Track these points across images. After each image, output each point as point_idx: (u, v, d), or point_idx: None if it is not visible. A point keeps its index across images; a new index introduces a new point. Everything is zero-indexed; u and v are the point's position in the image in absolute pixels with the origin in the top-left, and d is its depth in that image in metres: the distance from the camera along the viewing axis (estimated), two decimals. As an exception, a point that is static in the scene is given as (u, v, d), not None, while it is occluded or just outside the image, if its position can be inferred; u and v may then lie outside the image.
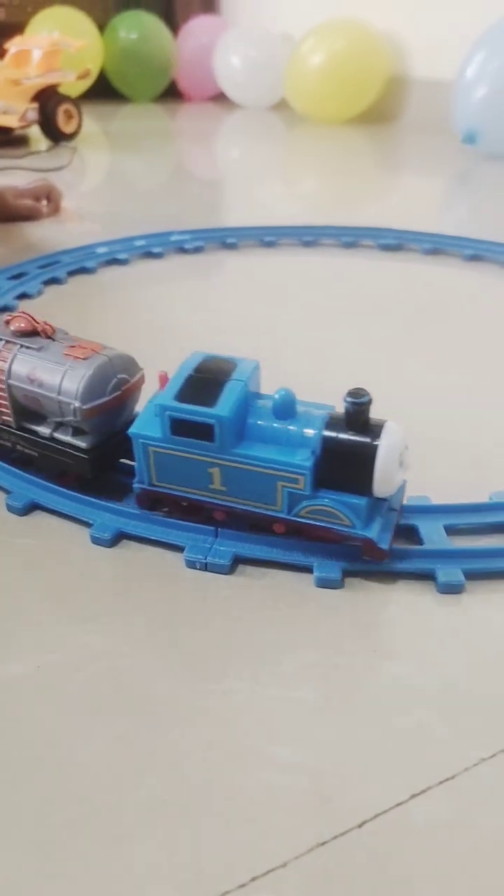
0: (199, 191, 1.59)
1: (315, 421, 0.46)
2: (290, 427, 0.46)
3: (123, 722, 0.38)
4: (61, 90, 1.93)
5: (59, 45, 1.93)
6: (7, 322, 0.53)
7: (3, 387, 0.52)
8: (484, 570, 0.47)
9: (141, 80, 2.73)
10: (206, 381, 0.47)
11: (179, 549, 0.49)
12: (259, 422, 0.47)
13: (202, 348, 0.50)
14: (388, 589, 0.47)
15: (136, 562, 0.49)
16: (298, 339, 0.82)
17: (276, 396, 0.46)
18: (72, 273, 1.00)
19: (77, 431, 0.52)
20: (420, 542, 0.49)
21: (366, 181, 1.72)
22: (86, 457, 0.51)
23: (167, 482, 0.49)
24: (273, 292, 0.98)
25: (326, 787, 0.35)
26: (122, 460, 0.54)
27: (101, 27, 2.60)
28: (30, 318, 0.53)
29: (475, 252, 1.08)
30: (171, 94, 2.90)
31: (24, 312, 0.54)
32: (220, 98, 2.81)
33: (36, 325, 0.53)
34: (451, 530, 0.50)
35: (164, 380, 0.48)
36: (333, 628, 0.44)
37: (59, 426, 0.52)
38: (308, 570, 0.47)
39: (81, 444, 0.51)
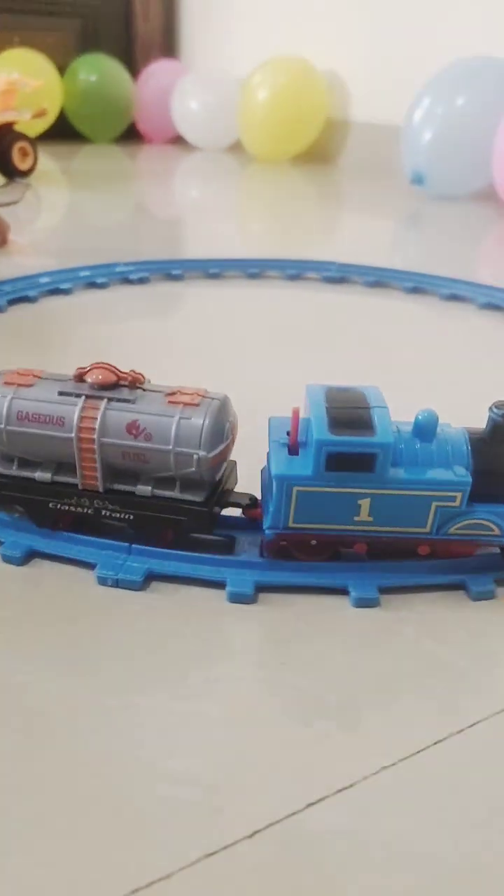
0: (155, 227, 1.61)
1: (457, 438, 0.46)
2: (433, 447, 0.46)
3: (15, 738, 0.37)
4: (17, 128, 1.95)
5: (16, 85, 1.96)
6: (80, 376, 0.48)
7: (92, 447, 0.46)
8: (398, 585, 0.47)
9: (100, 122, 2.77)
10: (349, 411, 0.45)
11: (92, 566, 0.48)
12: (400, 445, 0.46)
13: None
14: (302, 602, 0.46)
15: (47, 580, 0.48)
16: (237, 366, 0.83)
17: (420, 418, 0.46)
18: (12, 302, 1.00)
19: (186, 484, 0.47)
20: (337, 556, 0.49)
21: (317, 220, 1.76)
22: (205, 509, 0.47)
23: (305, 522, 0.46)
24: (215, 321, 0.98)
25: (220, 799, 0.34)
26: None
27: (62, 69, 2.64)
28: (111, 369, 0.47)
29: (416, 284, 1.10)
30: (132, 135, 2.94)
31: (101, 363, 0.48)
32: (178, 140, 2.86)
33: (120, 375, 0.47)
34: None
35: (296, 416, 0.46)
36: (244, 642, 0.44)
37: (158, 482, 0.48)
38: (221, 585, 0.47)
39: (197, 497, 0.47)
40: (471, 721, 0.38)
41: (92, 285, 1.08)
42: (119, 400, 0.46)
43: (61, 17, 2.85)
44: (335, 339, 0.92)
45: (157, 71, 2.83)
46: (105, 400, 0.46)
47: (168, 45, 3.04)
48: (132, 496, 0.48)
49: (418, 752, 0.36)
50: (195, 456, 0.45)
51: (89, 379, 0.47)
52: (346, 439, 0.44)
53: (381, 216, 1.74)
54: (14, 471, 0.49)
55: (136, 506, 0.48)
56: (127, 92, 2.77)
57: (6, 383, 0.47)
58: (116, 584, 0.47)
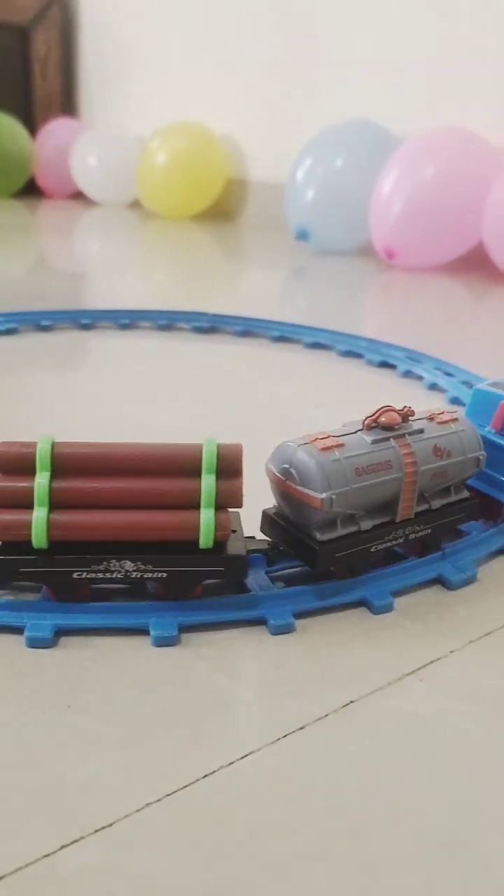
0: (49, 281, 1.61)
1: None
2: None
3: None
4: None
5: None
6: (374, 421, 0.51)
7: (414, 479, 0.51)
8: (199, 623, 0.48)
9: (-2, 177, 2.79)
10: None
11: None
12: None
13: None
14: (101, 644, 0.46)
15: None
16: (101, 411, 0.83)
17: None
18: None
19: (458, 488, 0.55)
20: (142, 595, 0.49)
21: (211, 274, 1.79)
22: (475, 500, 0.56)
23: None
24: (84, 370, 0.99)
25: (-31, 845, 0.33)
26: None
27: (-42, 126, 2.65)
28: (394, 409, 0.52)
29: (281, 333, 1.13)
30: (32, 191, 2.96)
31: (386, 406, 0.51)
32: (79, 196, 2.89)
33: (401, 412, 0.52)
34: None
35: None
36: (34, 687, 0.43)
37: (440, 494, 0.54)
38: (19, 630, 0.46)
39: (466, 493, 0.55)
40: (242, 753, 0.38)
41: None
42: (413, 433, 0.52)
43: (-41, 74, 2.87)
44: (197, 384, 0.94)
45: (57, 128, 2.87)
46: (405, 436, 0.51)
47: (67, 104, 3.10)
48: (428, 512, 0.53)
49: (185, 786, 0.36)
50: (479, 457, 0.54)
51: (383, 418, 0.51)
52: None
53: (274, 269, 1.79)
54: (339, 531, 0.49)
55: (428, 520, 0.53)
56: (25, 148, 2.79)
57: (323, 449, 0.48)
58: None
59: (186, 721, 0.40)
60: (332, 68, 2.12)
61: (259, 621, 0.48)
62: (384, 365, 1.04)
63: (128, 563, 0.47)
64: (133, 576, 0.47)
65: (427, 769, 0.38)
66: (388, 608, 0.50)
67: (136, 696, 0.42)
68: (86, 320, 1.16)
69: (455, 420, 0.54)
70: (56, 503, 0.45)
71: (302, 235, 1.86)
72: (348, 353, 1.07)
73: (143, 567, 0.47)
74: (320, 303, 1.48)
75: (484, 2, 1.75)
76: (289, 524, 0.50)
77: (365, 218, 1.74)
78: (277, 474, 0.49)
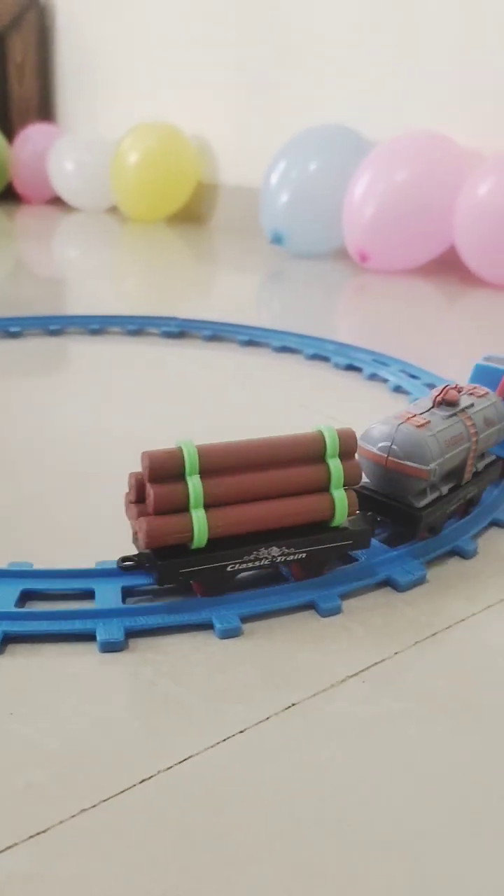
0: (23, 287, 1.61)
1: None
2: None
3: None
4: None
5: None
6: (443, 397, 0.59)
7: (476, 446, 0.59)
8: (147, 627, 0.48)
9: (-25, 183, 2.78)
10: None
11: None
12: None
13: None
14: (49, 651, 0.46)
15: None
16: (69, 418, 0.83)
17: None
18: None
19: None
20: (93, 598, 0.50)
21: (185, 278, 1.79)
22: (500, 460, 0.65)
23: None
24: (52, 377, 0.99)
25: None
26: None
27: None
28: (453, 387, 0.61)
29: (249, 338, 1.14)
30: (10, 196, 2.96)
31: (448, 385, 0.61)
32: (57, 201, 2.89)
33: (457, 388, 0.62)
34: (130, 591, 0.51)
35: None
36: (-22, 694, 0.43)
37: (481, 458, 0.63)
38: (-34, 636, 0.46)
39: (493, 456, 0.65)
40: (181, 757, 0.39)
41: None
42: (467, 407, 0.60)
43: None
44: (167, 389, 0.94)
45: (34, 133, 2.86)
46: (465, 410, 0.59)
47: (44, 109, 3.09)
48: (476, 474, 0.62)
49: (121, 791, 0.37)
50: None
51: (448, 396, 0.59)
52: None
53: (248, 273, 1.80)
54: (429, 497, 0.57)
55: (476, 482, 0.62)
56: (2, 153, 2.79)
57: (419, 426, 0.55)
58: None
59: (129, 727, 0.41)
60: (303, 73, 2.13)
61: (206, 625, 0.49)
62: (350, 368, 1.04)
63: (274, 549, 0.50)
64: (278, 560, 0.51)
65: (367, 771, 0.38)
66: (335, 611, 0.51)
67: (79, 702, 0.42)
68: (55, 326, 1.16)
69: (487, 394, 0.63)
70: (209, 502, 0.48)
71: (276, 239, 1.86)
72: (315, 357, 1.08)
73: (286, 551, 0.51)
74: (294, 306, 1.48)
75: (453, 7, 1.76)
76: (383, 496, 0.57)
77: (339, 221, 1.75)
78: (377, 452, 0.56)
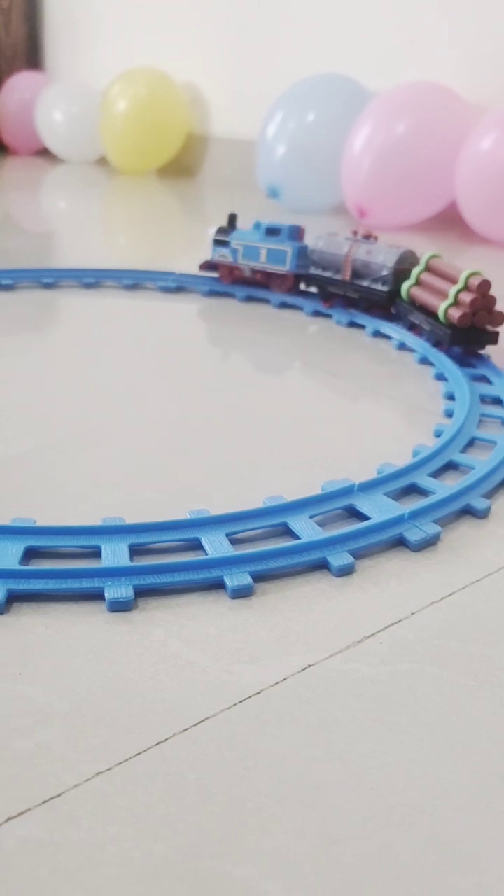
0: (11, 239, 1.56)
1: None
2: None
3: None
4: None
5: None
6: (355, 232, 1.03)
7: (350, 261, 1.00)
8: (156, 586, 0.46)
9: (-39, 132, 2.70)
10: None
11: None
12: None
13: None
14: (55, 610, 0.45)
15: None
16: (64, 372, 0.81)
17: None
18: None
19: (375, 280, 0.98)
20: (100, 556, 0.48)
21: (180, 232, 1.75)
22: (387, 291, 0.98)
23: None
24: (47, 330, 0.96)
25: None
26: None
27: None
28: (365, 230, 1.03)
29: (248, 294, 1.11)
30: (-4, 147, 2.88)
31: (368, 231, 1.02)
32: (45, 152, 2.82)
33: (365, 233, 1.02)
34: (137, 549, 0.50)
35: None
36: (-16, 654, 0.42)
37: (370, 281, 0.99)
38: (-31, 595, 0.45)
39: (384, 288, 0.97)
40: (197, 719, 0.37)
41: None
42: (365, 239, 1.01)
43: None
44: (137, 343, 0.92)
45: (21, 82, 2.78)
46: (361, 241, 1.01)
47: (31, 57, 3.00)
48: (362, 286, 0.99)
49: (136, 755, 0.35)
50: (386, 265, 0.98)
51: (362, 233, 1.02)
52: None
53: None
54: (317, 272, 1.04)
55: (362, 290, 0.99)
56: (-12, 103, 2.71)
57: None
58: None
59: (141, 688, 0.39)
60: (301, 19, 2.07)
61: (217, 584, 0.47)
62: (352, 325, 1.02)
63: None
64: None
65: (387, 734, 0.37)
66: (348, 570, 0.49)
67: (88, 663, 0.41)
68: (48, 279, 1.13)
69: (391, 247, 1.00)
70: None
71: (273, 193, 1.82)
72: (317, 314, 1.06)
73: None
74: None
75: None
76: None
77: (337, 176, 1.71)
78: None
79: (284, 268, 1.06)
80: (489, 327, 0.85)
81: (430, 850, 0.32)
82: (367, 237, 1.00)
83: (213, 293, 1.13)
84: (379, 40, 1.89)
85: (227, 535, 0.51)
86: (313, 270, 1.04)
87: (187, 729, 0.37)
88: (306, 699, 0.39)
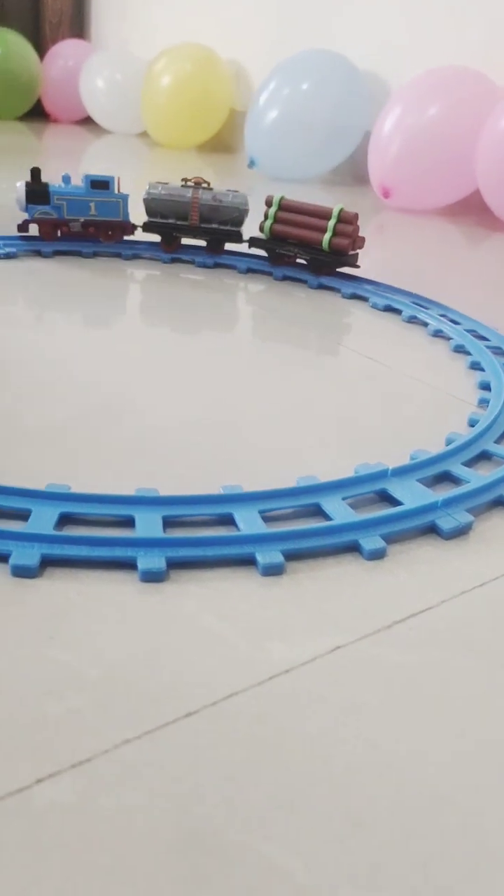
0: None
1: None
2: None
3: None
4: None
5: None
6: (187, 180, 1.10)
7: (197, 206, 1.07)
8: (188, 558, 0.46)
9: (4, 98, 2.69)
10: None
11: None
12: None
13: None
14: (87, 577, 0.45)
15: None
16: (99, 342, 0.81)
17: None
18: None
19: (233, 223, 1.11)
20: (132, 526, 0.48)
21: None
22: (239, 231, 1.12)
23: None
24: (83, 298, 0.96)
25: None
26: None
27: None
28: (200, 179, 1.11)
29: (284, 274, 1.10)
30: (38, 114, 2.88)
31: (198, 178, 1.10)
32: (87, 122, 2.81)
33: (198, 181, 1.10)
34: (169, 521, 0.50)
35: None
36: (16, 617, 0.42)
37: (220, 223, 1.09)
38: (4, 558, 0.45)
39: (237, 228, 1.11)
40: (226, 693, 0.38)
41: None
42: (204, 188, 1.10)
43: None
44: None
45: (65, 50, 2.77)
46: (200, 188, 1.08)
47: (78, 25, 2.99)
48: (212, 230, 1.10)
49: (166, 724, 0.36)
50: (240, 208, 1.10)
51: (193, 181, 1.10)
52: None
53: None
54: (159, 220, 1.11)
55: (212, 232, 1.10)
56: (32, 69, 2.70)
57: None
58: None
59: (171, 659, 0.40)
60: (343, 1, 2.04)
61: (248, 560, 0.47)
62: (389, 309, 1.01)
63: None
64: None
65: (413, 720, 0.37)
66: (380, 554, 0.49)
67: (119, 631, 0.41)
68: (87, 250, 1.12)
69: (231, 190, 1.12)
70: None
71: (252, 163, 1.86)
72: (353, 296, 1.05)
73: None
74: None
75: None
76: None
77: (321, 147, 1.72)
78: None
79: (119, 218, 1.12)
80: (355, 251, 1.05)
81: (457, 841, 0.31)
82: (198, 184, 1.09)
83: (249, 271, 1.12)
84: (415, 22, 1.85)
85: (260, 512, 0.51)
86: (151, 218, 1.11)
87: (217, 702, 0.37)
88: (335, 680, 0.39)
